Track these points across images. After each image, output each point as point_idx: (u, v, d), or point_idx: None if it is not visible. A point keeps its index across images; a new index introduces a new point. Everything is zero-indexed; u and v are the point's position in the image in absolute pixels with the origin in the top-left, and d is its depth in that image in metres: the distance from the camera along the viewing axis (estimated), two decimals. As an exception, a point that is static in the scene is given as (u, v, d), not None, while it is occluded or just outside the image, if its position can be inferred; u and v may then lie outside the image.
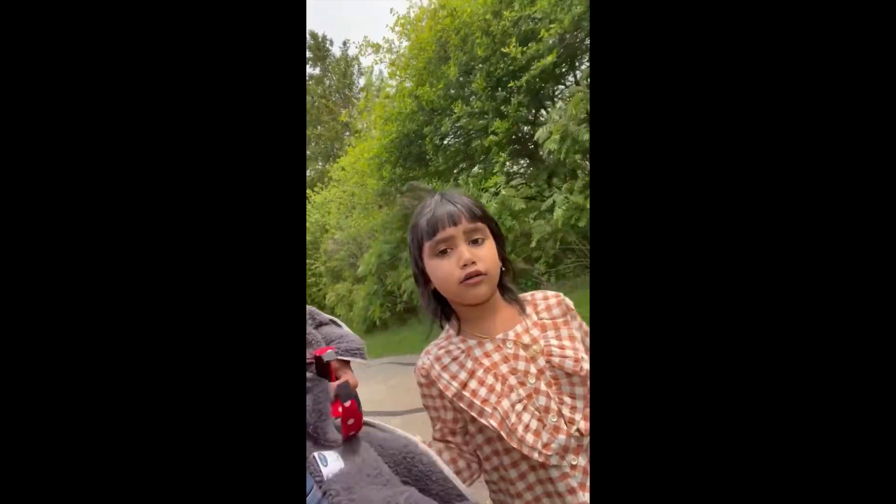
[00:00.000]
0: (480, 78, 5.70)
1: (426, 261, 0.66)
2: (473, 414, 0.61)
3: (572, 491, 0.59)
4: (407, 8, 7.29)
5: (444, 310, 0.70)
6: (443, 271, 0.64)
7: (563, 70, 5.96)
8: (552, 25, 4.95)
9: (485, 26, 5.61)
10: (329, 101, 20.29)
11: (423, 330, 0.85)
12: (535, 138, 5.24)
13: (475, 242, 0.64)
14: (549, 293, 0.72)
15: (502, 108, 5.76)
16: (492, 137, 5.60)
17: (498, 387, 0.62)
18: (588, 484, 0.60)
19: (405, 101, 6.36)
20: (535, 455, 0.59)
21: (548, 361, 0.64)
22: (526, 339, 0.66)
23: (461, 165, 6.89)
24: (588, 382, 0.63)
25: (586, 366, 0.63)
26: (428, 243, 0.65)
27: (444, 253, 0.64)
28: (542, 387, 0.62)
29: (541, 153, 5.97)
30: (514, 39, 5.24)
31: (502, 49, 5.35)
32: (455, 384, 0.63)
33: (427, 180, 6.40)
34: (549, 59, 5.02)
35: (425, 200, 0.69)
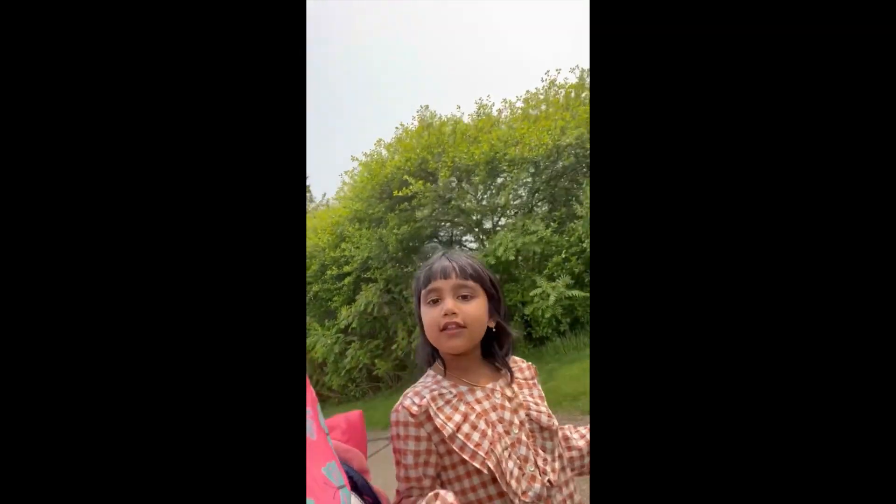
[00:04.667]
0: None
1: (421, 308, 0.74)
2: (466, 456, 0.62)
3: None
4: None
5: (433, 356, 0.75)
6: (428, 318, 0.71)
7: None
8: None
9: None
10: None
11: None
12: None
13: (464, 298, 0.70)
14: (518, 359, 0.79)
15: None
16: None
17: (489, 432, 0.65)
18: None
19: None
20: (517, 501, 0.62)
21: (527, 415, 0.70)
22: (509, 392, 0.71)
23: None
24: (555, 438, 0.70)
25: (555, 422, 0.71)
26: (423, 292, 0.73)
27: (434, 303, 0.71)
28: (524, 437, 0.67)
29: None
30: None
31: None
32: (451, 425, 0.64)
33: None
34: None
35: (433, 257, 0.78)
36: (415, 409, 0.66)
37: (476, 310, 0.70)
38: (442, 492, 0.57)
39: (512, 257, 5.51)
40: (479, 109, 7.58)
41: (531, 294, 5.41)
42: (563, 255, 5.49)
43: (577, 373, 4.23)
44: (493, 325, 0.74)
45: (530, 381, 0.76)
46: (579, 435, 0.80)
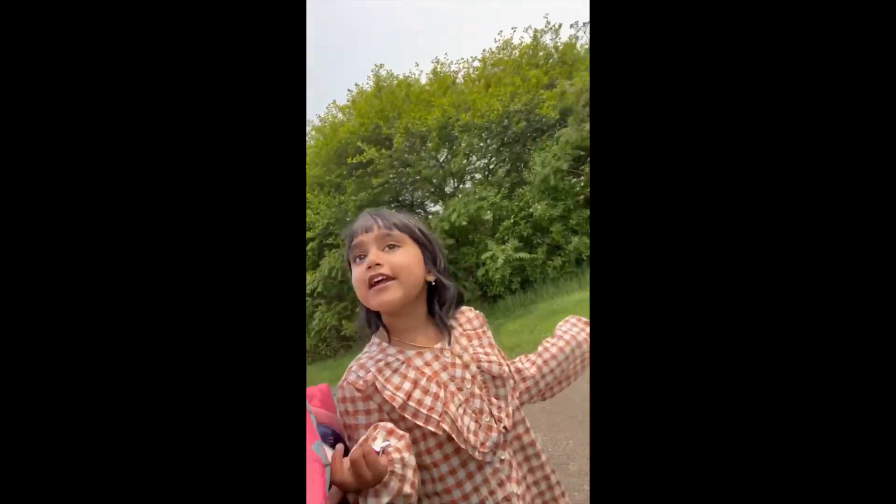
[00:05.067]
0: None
1: (351, 269, 0.68)
2: (420, 423, 0.61)
3: (501, 483, 0.65)
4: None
5: (374, 320, 0.70)
6: (355, 276, 0.65)
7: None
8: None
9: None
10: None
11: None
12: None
13: (390, 248, 0.65)
14: (466, 308, 0.76)
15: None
16: None
17: (442, 394, 0.63)
18: (514, 476, 0.67)
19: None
20: (476, 454, 0.63)
21: (478, 367, 0.68)
22: (457, 348, 0.69)
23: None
24: (507, 383, 0.69)
25: (506, 368, 0.70)
26: (348, 252, 0.68)
27: (359, 259, 0.66)
28: (476, 390, 0.66)
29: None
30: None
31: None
32: (400, 395, 0.62)
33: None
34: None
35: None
36: (361, 383, 0.62)
37: (404, 258, 0.65)
38: (381, 423, 0.59)
39: (465, 223, 5.80)
40: (435, 69, 7.43)
41: (483, 257, 5.78)
42: (513, 220, 5.81)
43: (518, 328, 4.71)
44: (432, 279, 0.69)
45: (479, 331, 0.73)
46: (530, 363, 0.78)
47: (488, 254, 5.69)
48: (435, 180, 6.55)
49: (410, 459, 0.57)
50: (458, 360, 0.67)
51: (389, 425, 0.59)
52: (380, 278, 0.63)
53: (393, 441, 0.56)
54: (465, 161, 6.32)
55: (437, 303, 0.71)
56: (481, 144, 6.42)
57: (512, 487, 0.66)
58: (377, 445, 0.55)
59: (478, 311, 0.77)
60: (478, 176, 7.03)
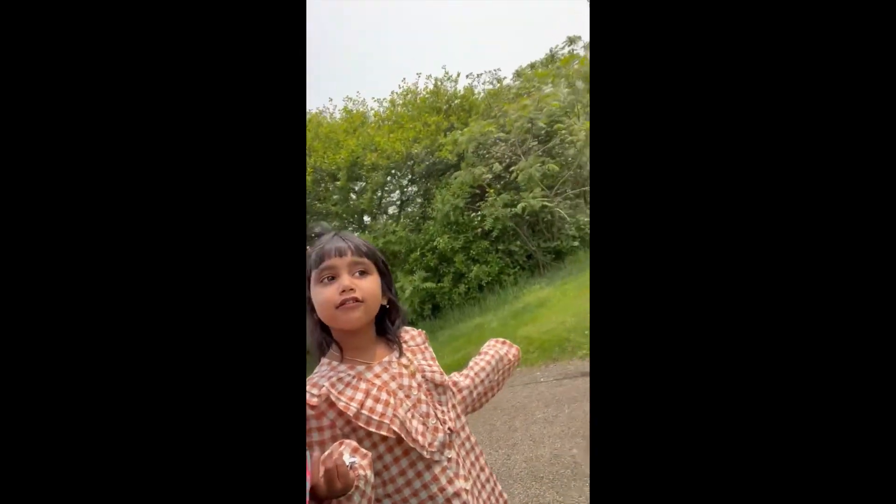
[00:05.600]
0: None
1: (312, 288, 0.74)
2: (373, 429, 0.68)
3: (451, 480, 0.72)
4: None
5: (326, 340, 0.77)
6: (323, 296, 0.72)
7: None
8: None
9: None
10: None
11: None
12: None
13: (361, 274, 0.73)
14: (409, 328, 0.85)
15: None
16: None
17: (392, 400, 0.71)
18: (461, 473, 0.74)
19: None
20: (425, 454, 0.70)
21: (423, 376, 0.77)
22: (404, 360, 0.78)
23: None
24: (448, 392, 0.79)
25: (446, 378, 0.80)
26: (315, 272, 0.73)
27: (329, 280, 0.72)
28: (422, 397, 0.75)
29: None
30: None
31: None
32: (354, 405, 0.68)
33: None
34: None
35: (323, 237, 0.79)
36: (315, 400, 0.68)
37: (371, 285, 0.73)
38: (347, 441, 0.63)
39: (375, 256, 6.19)
40: (345, 109, 7.85)
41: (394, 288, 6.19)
42: (420, 252, 6.28)
43: (443, 351, 5.11)
44: (385, 301, 0.78)
45: (422, 346, 0.83)
46: (463, 376, 0.89)
47: (398, 285, 6.09)
48: (345, 216, 6.84)
49: (371, 476, 0.63)
50: (404, 371, 0.76)
51: (354, 443, 0.64)
52: (351, 301, 0.71)
53: (358, 459, 0.62)
54: (374, 196, 6.71)
55: (388, 321, 0.80)
56: (392, 182, 6.88)
57: (460, 483, 0.73)
58: (345, 461, 0.59)
59: (420, 330, 0.87)
60: (392, 210, 7.46)
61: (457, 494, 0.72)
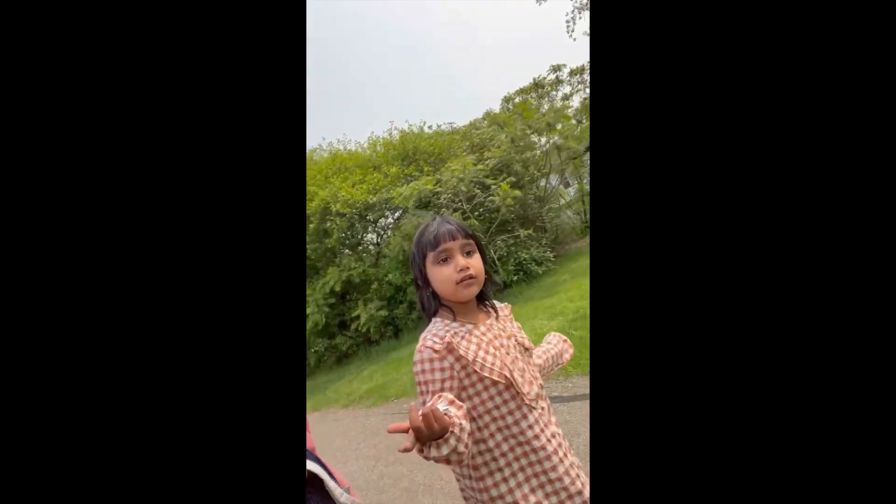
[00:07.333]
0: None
1: (429, 267, 0.91)
2: (486, 374, 0.82)
3: (546, 425, 0.88)
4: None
5: (436, 306, 0.93)
6: (443, 275, 0.88)
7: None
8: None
9: None
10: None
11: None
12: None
13: (468, 254, 0.90)
14: (497, 302, 1.01)
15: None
16: None
17: (499, 354, 0.86)
18: (552, 420, 0.89)
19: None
20: (527, 399, 0.85)
21: (516, 340, 0.94)
22: (500, 325, 0.94)
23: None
24: (532, 356, 0.96)
25: (532, 344, 0.97)
26: (431, 253, 0.89)
27: (444, 261, 0.88)
28: (518, 355, 0.91)
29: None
30: None
31: None
32: (471, 352, 0.83)
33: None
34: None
35: (427, 221, 0.95)
36: (438, 346, 0.82)
37: (479, 262, 0.90)
38: (444, 394, 0.75)
39: (339, 288, 7.42)
40: (330, 150, 9.23)
41: (353, 314, 7.44)
42: (377, 284, 7.53)
43: (389, 368, 6.13)
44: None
45: (510, 317, 0.98)
46: (536, 356, 1.04)
47: (356, 312, 7.36)
48: (313, 256, 8.10)
49: (466, 426, 0.71)
50: (501, 333, 0.92)
51: (450, 396, 0.75)
52: (468, 278, 0.88)
53: (453, 409, 0.71)
54: (340, 237, 7.99)
55: (485, 290, 0.95)
56: (356, 226, 8.17)
57: (553, 428, 0.88)
58: (441, 409, 0.68)
59: (506, 303, 1.03)
60: (359, 247, 8.75)
61: (553, 436, 0.86)
